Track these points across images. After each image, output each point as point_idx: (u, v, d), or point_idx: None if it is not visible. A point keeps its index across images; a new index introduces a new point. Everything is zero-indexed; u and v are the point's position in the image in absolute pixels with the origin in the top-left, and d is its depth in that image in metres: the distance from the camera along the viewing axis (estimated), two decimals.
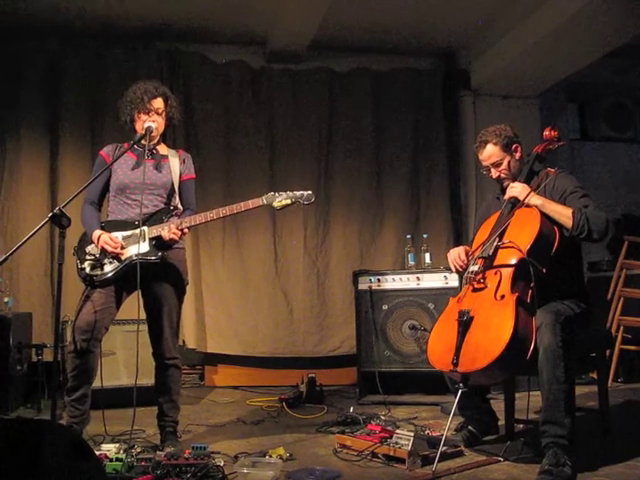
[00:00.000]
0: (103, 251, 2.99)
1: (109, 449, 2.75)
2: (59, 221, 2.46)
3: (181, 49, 5.43)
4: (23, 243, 2.52)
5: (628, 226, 6.08)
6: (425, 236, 4.90)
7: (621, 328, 4.79)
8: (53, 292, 4.88)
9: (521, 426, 3.18)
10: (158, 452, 2.83)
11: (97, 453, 2.54)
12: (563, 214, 2.77)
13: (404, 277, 4.48)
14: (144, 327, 3.12)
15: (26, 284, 4.89)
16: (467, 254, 3.02)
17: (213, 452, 2.88)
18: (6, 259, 2.56)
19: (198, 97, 5.39)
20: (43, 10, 4.85)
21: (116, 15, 5.01)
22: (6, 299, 4.38)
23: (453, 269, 3.06)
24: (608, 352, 3.89)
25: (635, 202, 6.52)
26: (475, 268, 2.83)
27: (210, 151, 5.36)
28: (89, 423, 3.04)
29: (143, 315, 3.06)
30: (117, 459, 2.61)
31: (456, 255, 3.04)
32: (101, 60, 5.22)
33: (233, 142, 5.44)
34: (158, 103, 3.13)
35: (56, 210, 2.49)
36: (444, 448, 2.73)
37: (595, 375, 3.15)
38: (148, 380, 3.21)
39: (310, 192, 3.08)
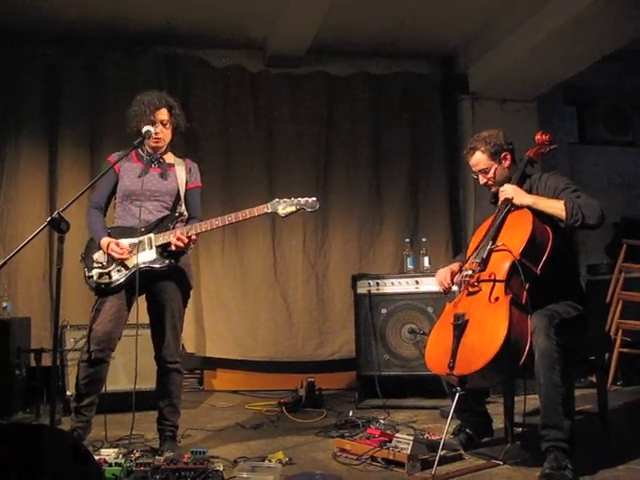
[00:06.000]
0: (110, 258, 3.00)
1: (108, 454, 2.76)
2: (58, 225, 2.46)
3: (180, 53, 5.44)
4: (22, 247, 2.51)
5: (627, 229, 6.09)
6: (424, 240, 4.91)
7: (620, 331, 4.78)
8: (52, 296, 4.87)
9: (520, 429, 3.18)
10: (157, 457, 2.82)
11: (96, 458, 2.54)
12: (556, 207, 2.79)
13: (403, 281, 4.48)
14: (143, 332, 3.12)
15: (25, 289, 4.88)
16: (453, 275, 3.05)
17: (212, 457, 2.88)
18: (5, 263, 2.56)
19: (197, 101, 5.39)
20: (42, 15, 4.85)
21: (115, 20, 5.01)
22: (5, 304, 4.37)
23: (440, 290, 3.11)
24: (607, 355, 3.90)
25: (633, 205, 6.53)
26: (469, 272, 2.84)
27: (209, 154, 5.35)
28: (92, 431, 3.06)
29: (142, 320, 3.06)
30: (116, 464, 2.61)
31: (442, 277, 3.09)
32: (100, 64, 5.23)
33: (232, 145, 5.44)
34: (162, 114, 3.14)
35: (55, 214, 2.48)
36: (444, 452, 2.73)
37: (594, 378, 3.15)
38: (147, 384, 3.21)
39: (314, 199, 3.07)
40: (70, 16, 4.89)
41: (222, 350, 5.21)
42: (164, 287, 3.08)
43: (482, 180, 3.13)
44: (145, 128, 3.06)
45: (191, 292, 3.24)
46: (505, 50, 5.23)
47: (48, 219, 2.48)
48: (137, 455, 2.89)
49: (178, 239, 2.97)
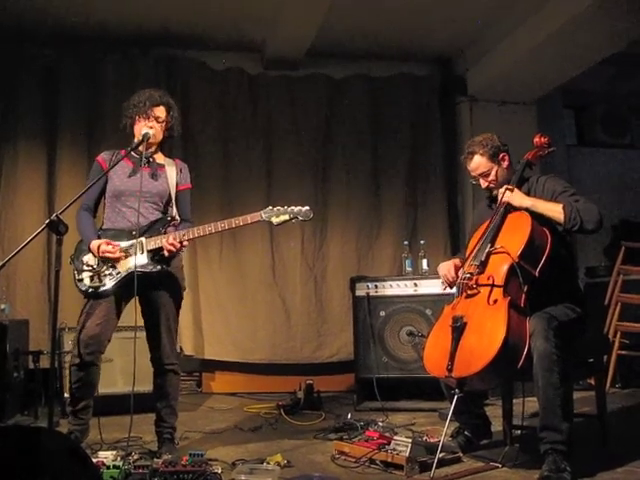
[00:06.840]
0: (102, 260, 2.98)
1: (106, 456, 2.75)
2: (56, 228, 2.46)
3: (179, 55, 5.44)
4: (20, 250, 2.51)
5: (625, 231, 6.10)
6: (422, 242, 4.91)
7: (618, 333, 4.79)
8: (50, 299, 4.86)
9: (519, 432, 3.18)
10: (155, 459, 2.81)
11: (94, 460, 2.53)
12: (555, 210, 2.80)
13: (401, 283, 4.48)
14: (141, 334, 3.11)
15: (23, 291, 4.88)
16: (457, 269, 3.04)
17: (210, 459, 2.87)
18: (3, 265, 2.56)
19: (195, 103, 5.40)
20: (42, 16, 4.85)
21: (114, 22, 5.03)
22: (3, 306, 4.36)
23: (444, 284, 3.10)
24: (606, 358, 3.90)
25: (631, 208, 6.53)
26: (468, 275, 2.83)
27: (207, 157, 5.35)
28: (89, 434, 3.05)
29: (140, 322, 3.06)
30: (114, 466, 2.61)
31: (446, 271, 3.08)
32: (98, 67, 5.23)
33: (230, 148, 5.44)
34: (159, 111, 3.12)
35: (53, 217, 2.48)
36: (442, 454, 2.73)
37: (593, 381, 3.15)
38: (145, 387, 3.20)
39: (308, 208, 3.06)
40: (69, 17, 4.89)
41: (220, 352, 5.20)
42: (157, 291, 3.06)
43: (483, 184, 3.12)
44: (144, 130, 3.06)
45: (184, 293, 3.23)
46: (503, 53, 5.25)
47: (47, 221, 2.48)
48: (135, 457, 2.89)
49: (171, 244, 2.95)
